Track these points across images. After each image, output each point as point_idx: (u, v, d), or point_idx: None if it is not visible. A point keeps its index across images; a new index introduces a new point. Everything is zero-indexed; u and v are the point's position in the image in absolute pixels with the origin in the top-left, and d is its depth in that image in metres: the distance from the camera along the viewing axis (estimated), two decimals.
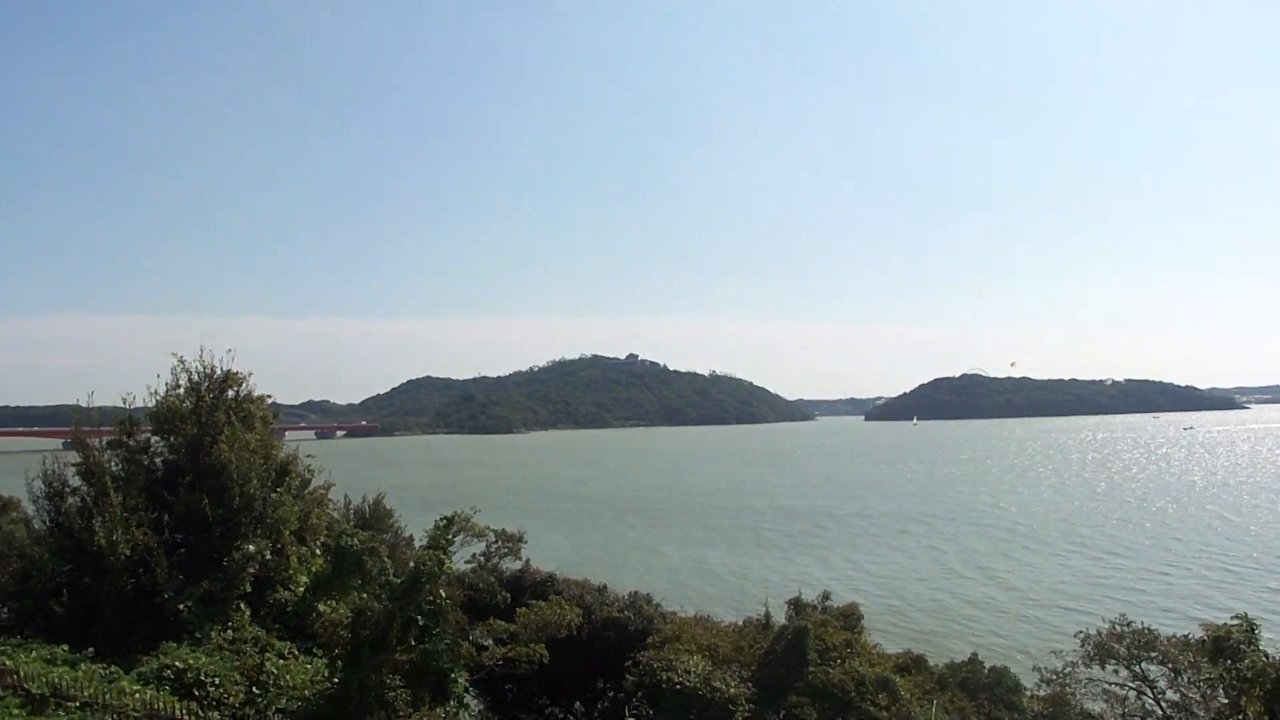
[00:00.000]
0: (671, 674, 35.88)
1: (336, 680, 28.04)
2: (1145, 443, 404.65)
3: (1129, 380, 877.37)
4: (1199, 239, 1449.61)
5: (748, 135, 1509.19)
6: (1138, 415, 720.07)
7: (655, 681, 36.14)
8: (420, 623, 28.39)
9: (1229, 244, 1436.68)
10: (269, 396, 40.87)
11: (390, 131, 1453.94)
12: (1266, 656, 30.27)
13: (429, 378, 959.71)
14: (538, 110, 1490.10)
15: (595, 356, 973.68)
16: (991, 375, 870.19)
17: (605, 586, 51.20)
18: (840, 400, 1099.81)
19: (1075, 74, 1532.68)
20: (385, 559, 33.33)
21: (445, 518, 33.13)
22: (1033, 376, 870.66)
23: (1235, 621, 32.92)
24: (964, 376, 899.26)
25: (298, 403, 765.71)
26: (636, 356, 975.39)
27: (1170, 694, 33.27)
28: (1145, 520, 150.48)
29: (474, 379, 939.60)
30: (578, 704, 45.24)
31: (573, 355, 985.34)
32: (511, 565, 51.00)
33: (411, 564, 30.52)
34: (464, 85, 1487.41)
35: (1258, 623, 30.55)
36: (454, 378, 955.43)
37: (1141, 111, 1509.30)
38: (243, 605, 32.65)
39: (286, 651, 30.62)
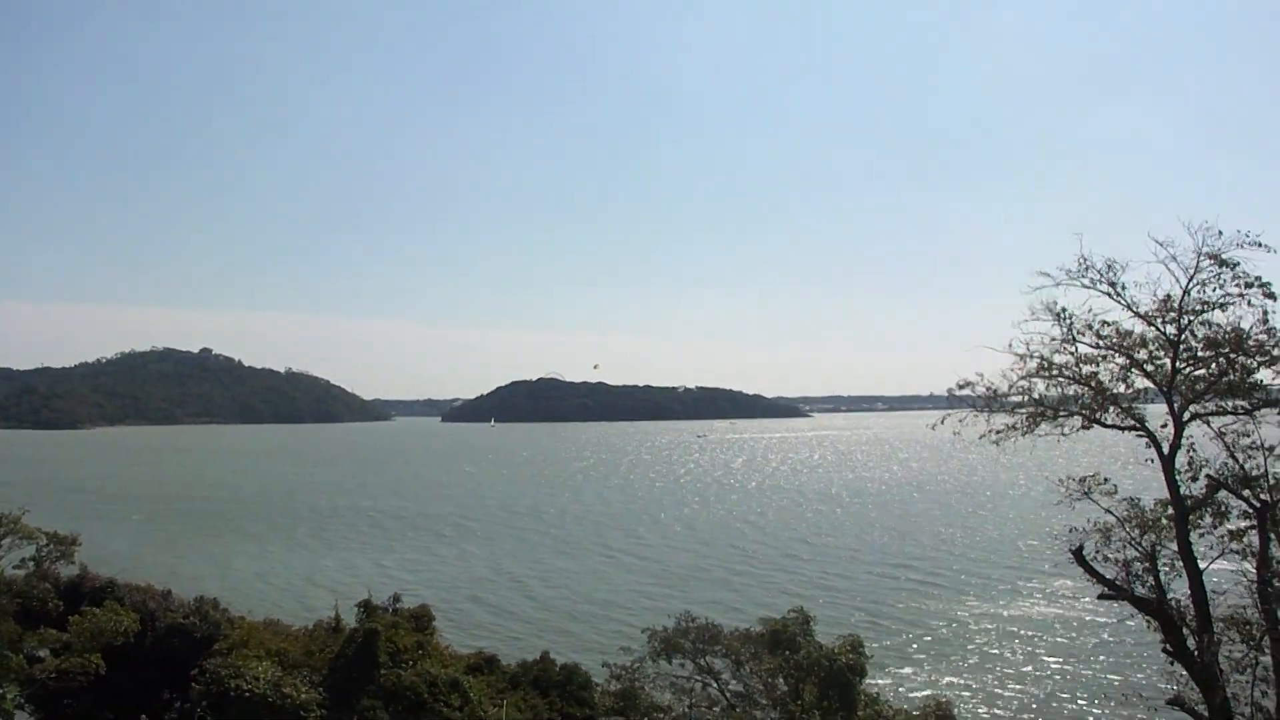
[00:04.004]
0: (240, 681, 34.61)
1: None
2: (687, 445, 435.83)
3: (700, 388, 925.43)
4: (773, 261, 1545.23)
5: (333, 122, 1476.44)
6: (708, 420, 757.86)
7: (223, 689, 34.67)
8: None
9: (800, 266, 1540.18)
10: None
11: None
12: (820, 647, 32.43)
13: None
14: (97, 90, 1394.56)
15: (167, 349, 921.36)
16: (568, 380, 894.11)
17: (170, 591, 48.66)
18: (418, 401, 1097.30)
19: (676, 86, 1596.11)
20: None
21: None
22: (608, 382, 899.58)
23: (792, 614, 35.09)
24: (541, 380, 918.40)
25: None
26: (210, 351, 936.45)
27: (734, 684, 34.91)
28: (678, 522, 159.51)
29: (36, 370, 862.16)
30: (143, 716, 42.66)
31: (143, 347, 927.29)
32: (68, 570, 47.45)
33: None
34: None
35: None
36: (14, 368, 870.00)
37: (718, 127, 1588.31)
38: None
39: None
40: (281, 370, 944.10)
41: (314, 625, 47.55)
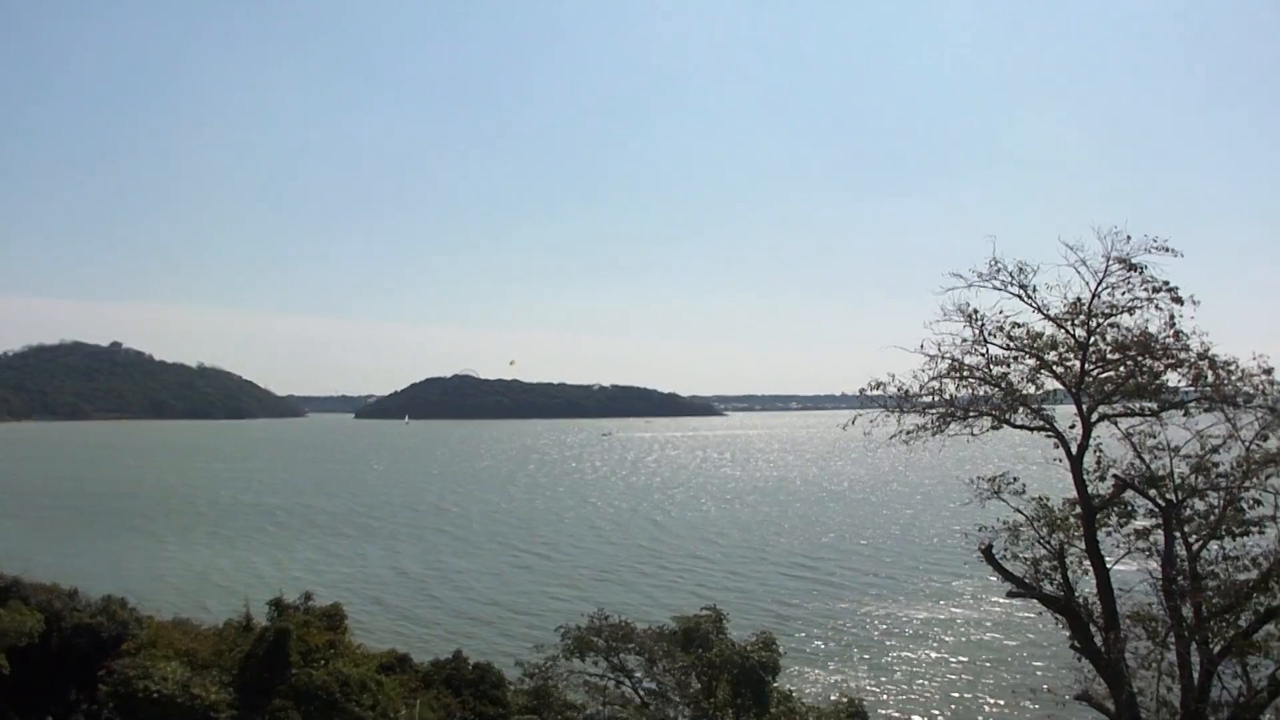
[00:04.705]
0: (148, 681, 33.99)
1: None
2: (597, 443, 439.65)
3: (616, 386, 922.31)
4: (690, 262, 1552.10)
5: (249, 114, 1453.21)
6: (623, 419, 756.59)
7: (130, 690, 34.02)
8: None
9: (716, 268, 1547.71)
10: None
11: None
12: (733, 645, 32.54)
13: None
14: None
15: (76, 343, 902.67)
16: (483, 377, 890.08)
17: (76, 591, 47.53)
18: (332, 397, 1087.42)
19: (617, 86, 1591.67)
20: None
21: None
22: (523, 379, 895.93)
23: (705, 612, 35.16)
24: (455, 377, 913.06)
25: None
26: (121, 344, 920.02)
27: (647, 682, 34.90)
28: (584, 522, 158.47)
29: None
30: (48, 718, 41.74)
31: (51, 340, 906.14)
32: None
33: None
34: None
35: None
36: None
37: (657, 131, 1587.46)
38: None
39: None
40: (194, 365, 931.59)
41: (224, 624, 46.72)
